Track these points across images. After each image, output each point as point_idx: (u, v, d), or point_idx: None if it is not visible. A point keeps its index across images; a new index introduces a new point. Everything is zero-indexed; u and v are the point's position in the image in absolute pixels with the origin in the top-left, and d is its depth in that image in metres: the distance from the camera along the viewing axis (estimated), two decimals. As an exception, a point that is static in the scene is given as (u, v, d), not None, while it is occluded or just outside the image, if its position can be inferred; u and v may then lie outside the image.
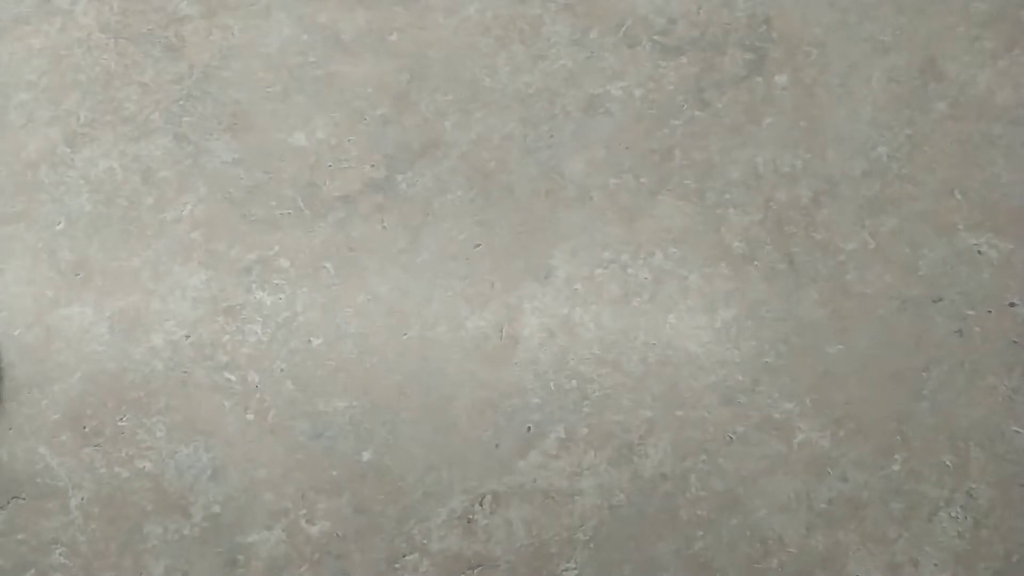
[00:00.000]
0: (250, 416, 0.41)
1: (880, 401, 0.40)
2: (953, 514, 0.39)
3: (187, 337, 0.42)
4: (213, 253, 0.44)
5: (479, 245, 0.43)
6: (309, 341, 0.42)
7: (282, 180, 0.45)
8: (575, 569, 0.38)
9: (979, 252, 0.42)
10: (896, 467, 0.39)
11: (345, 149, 0.45)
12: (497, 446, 0.40)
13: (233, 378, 0.42)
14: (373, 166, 0.45)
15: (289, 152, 0.45)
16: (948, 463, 0.39)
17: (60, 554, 0.40)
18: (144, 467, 0.41)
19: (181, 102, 0.46)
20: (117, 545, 0.40)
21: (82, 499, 0.40)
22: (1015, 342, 0.41)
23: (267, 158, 0.45)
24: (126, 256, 0.44)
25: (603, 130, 0.45)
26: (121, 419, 0.41)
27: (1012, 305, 0.41)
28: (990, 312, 0.41)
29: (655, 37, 0.47)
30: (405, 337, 0.42)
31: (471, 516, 0.39)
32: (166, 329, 0.42)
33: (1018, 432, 0.40)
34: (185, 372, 0.42)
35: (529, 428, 0.40)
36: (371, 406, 0.40)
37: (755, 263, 0.43)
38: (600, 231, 0.43)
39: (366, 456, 0.39)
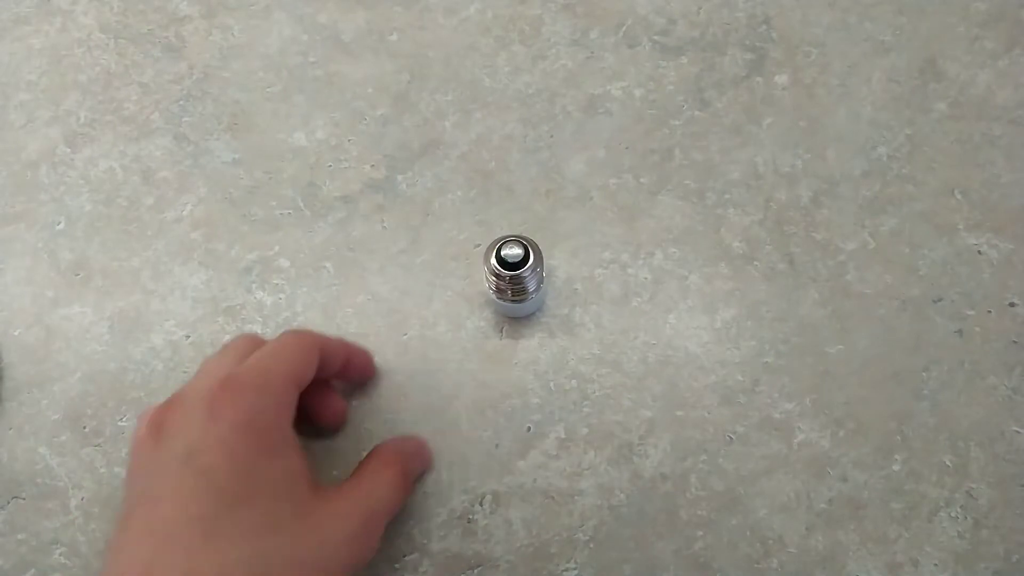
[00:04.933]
0: (250, 416, 0.41)
1: (880, 401, 0.40)
2: (953, 514, 0.39)
3: (187, 337, 0.42)
4: (213, 253, 0.44)
5: (479, 245, 0.43)
6: (309, 341, 0.42)
7: (282, 180, 0.45)
8: (575, 569, 0.38)
9: (979, 252, 0.42)
10: (896, 467, 0.39)
11: (345, 149, 0.45)
12: (497, 446, 0.40)
13: (233, 378, 0.42)
14: (373, 166, 0.45)
15: (289, 152, 0.45)
16: (948, 463, 0.39)
17: (60, 554, 0.40)
18: (144, 467, 0.41)
19: (181, 102, 0.46)
20: (117, 545, 0.40)
21: (82, 499, 0.40)
22: (1015, 342, 0.41)
23: (267, 158, 0.45)
24: (126, 256, 0.44)
25: (603, 130, 0.45)
26: (121, 419, 0.41)
27: (1012, 305, 0.41)
28: (990, 312, 0.41)
29: (655, 37, 0.47)
30: (405, 337, 0.42)
31: (471, 516, 0.39)
32: (166, 329, 0.42)
33: (1018, 432, 0.40)
34: (185, 372, 0.42)
35: (529, 428, 0.40)
36: (371, 406, 0.40)
37: (755, 263, 0.43)
38: (600, 231, 0.43)
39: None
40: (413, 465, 0.37)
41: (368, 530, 0.32)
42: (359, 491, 0.33)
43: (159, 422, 0.31)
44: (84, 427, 0.41)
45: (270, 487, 0.30)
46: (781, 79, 0.45)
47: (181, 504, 0.28)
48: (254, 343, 0.35)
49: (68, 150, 0.46)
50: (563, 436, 0.40)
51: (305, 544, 0.30)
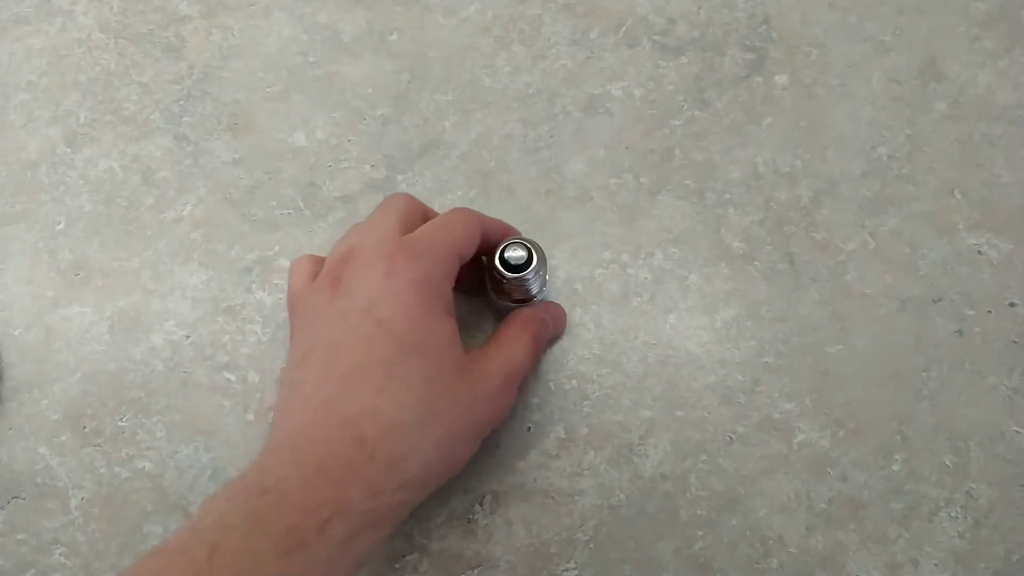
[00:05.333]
0: (250, 416, 0.41)
1: (880, 401, 0.40)
2: (953, 514, 0.39)
3: (187, 337, 0.42)
4: (213, 253, 0.44)
5: (479, 245, 0.43)
6: (309, 341, 0.42)
7: (282, 180, 0.45)
8: (575, 569, 0.38)
9: (979, 252, 0.42)
10: (896, 467, 0.39)
11: (345, 149, 0.45)
12: (497, 446, 0.40)
13: (233, 378, 0.42)
14: (373, 166, 0.45)
15: (289, 152, 0.45)
16: (948, 463, 0.39)
17: (60, 554, 0.40)
18: (144, 467, 0.41)
19: (181, 102, 0.46)
20: (117, 545, 0.40)
21: (82, 499, 0.40)
22: (1015, 342, 0.41)
23: (267, 158, 0.45)
24: (126, 256, 0.44)
25: (603, 130, 0.45)
26: (121, 419, 0.41)
27: (1012, 305, 0.41)
28: (990, 312, 0.41)
29: (655, 37, 0.47)
30: (405, 337, 0.42)
31: (471, 516, 0.39)
32: (166, 329, 0.42)
33: (1018, 432, 0.40)
34: (185, 372, 0.42)
35: (529, 428, 0.40)
36: (371, 406, 0.40)
37: (755, 263, 0.43)
38: (600, 231, 0.43)
39: (366, 456, 0.39)
40: (546, 331, 0.39)
41: (507, 388, 0.36)
42: (500, 353, 0.36)
43: (337, 275, 0.34)
44: (84, 427, 0.41)
45: (438, 342, 0.33)
46: (781, 79, 0.45)
47: (363, 349, 0.32)
48: (413, 204, 0.37)
49: (68, 150, 0.46)
50: (563, 436, 0.40)
51: (462, 394, 0.33)
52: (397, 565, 0.39)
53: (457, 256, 0.35)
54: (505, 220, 0.43)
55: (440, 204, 0.44)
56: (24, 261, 0.44)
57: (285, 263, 0.43)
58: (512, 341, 0.37)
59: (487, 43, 0.47)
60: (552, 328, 0.40)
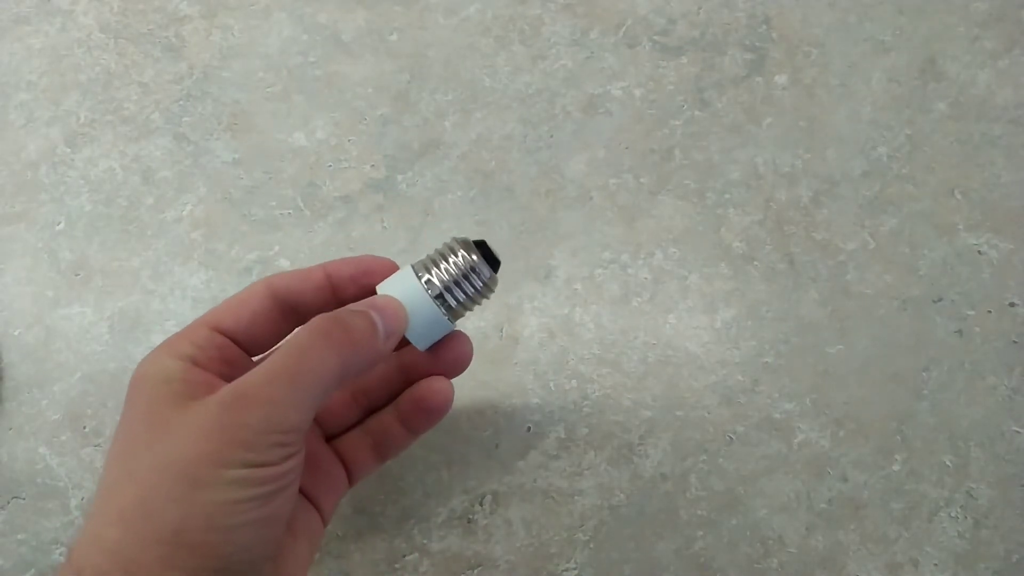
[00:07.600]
0: (250, 416, 0.41)
1: (880, 401, 0.40)
2: (953, 514, 0.39)
3: (187, 337, 0.42)
4: (213, 253, 0.44)
5: (479, 245, 0.43)
6: (309, 341, 0.42)
7: (282, 180, 0.45)
8: (575, 569, 0.38)
9: (979, 252, 0.42)
10: (896, 467, 0.39)
11: (345, 149, 0.45)
12: (497, 446, 0.40)
13: (233, 378, 0.42)
14: (373, 166, 0.45)
15: (289, 152, 0.45)
16: (948, 463, 0.39)
17: (60, 554, 0.40)
18: (144, 467, 0.41)
19: (181, 102, 0.46)
20: (117, 545, 0.40)
21: (82, 499, 0.40)
22: (1015, 342, 0.41)
23: (267, 158, 0.45)
24: (126, 256, 0.44)
25: (603, 130, 0.45)
26: (121, 419, 0.41)
27: (1012, 305, 0.41)
28: (990, 312, 0.41)
29: (655, 37, 0.47)
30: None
31: (471, 516, 0.39)
32: (166, 329, 0.42)
33: (1018, 432, 0.40)
34: (185, 372, 0.42)
35: (529, 428, 0.40)
36: (371, 406, 0.40)
37: (755, 263, 0.43)
38: (600, 231, 0.43)
39: (366, 456, 0.39)
40: (340, 328, 0.27)
41: (230, 407, 0.25)
42: (251, 373, 0.26)
43: None
44: (84, 427, 0.41)
45: (136, 394, 0.27)
46: (781, 79, 0.45)
47: None
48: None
49: (68, 150, 0.46)
50: (563, 436, 0.40)
51: (157, 441, 0.25)
52: (397, 565, 0.39)
53: (203, 326, 0.29)
54: (505, 220, 0.43)
55: (440, 204, 0.44)
56: (24, 261, 0.44)
57: (285, 263, 0.43)
58: (280, 351, 0.27)
59: (487, 43, 0.47)
60: (368, 325, 0.28)
